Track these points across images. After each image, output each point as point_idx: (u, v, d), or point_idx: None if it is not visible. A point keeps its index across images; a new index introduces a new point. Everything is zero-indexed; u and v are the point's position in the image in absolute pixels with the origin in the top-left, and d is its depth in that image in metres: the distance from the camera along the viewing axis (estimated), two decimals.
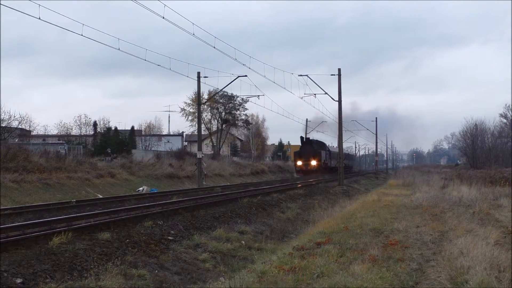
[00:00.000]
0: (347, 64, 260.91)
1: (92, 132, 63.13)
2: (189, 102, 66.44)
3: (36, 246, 9.62)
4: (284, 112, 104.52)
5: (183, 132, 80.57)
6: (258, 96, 38.65)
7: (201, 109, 46.56)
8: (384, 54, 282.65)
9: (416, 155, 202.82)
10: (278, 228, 17.05)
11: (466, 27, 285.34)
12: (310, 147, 56.99)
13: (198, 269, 10.61)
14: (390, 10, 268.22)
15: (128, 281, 8.69)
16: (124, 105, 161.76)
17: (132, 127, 67.91)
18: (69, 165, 31.18)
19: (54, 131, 63.83)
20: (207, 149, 73.41)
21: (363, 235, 11.82)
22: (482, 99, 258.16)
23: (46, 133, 62.42)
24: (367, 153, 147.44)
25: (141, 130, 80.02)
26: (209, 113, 70.14)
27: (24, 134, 52.10)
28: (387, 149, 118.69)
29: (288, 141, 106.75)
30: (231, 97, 66.64)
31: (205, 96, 56.88)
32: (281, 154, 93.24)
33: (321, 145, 60.67)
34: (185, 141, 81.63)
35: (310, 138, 60.49)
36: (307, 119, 67.42)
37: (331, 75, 40.05)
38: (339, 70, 38.20)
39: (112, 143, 50.87)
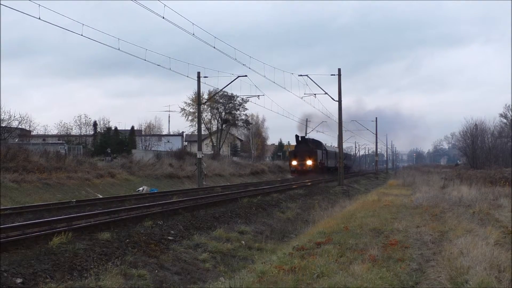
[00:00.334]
0: (348, 64, 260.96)
1: (92, 132, 63.15)
2: (189, 102, 66.54)
3: (36, 246, 9.62)
4: (284, 112, 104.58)
5: (183, 132, 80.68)
6: (258, 96, 38.68)
7: (201, 109, 46.57)
8: (385, 54, 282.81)
9: (416, 155, 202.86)
10: (278, 228, 17.05)
11: (467, 27, 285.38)
12: (305, 146, 55.04)
13: (198, 269, 10.61)
14: (391, 10, 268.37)
15: (128, 281, 8.69)
16: (124, 105, 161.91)
17: (132, 127, 67.99)
18: (69, 165, 31.18)
19: (54, 131, 63.92)
20: (207, 149, 73.43)
21: (363, 235, 11.82)
22: (483, 99, 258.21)
23: (46, 133, 62.46)
24: (367, 153, 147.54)
25: (141, 130, 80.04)
26: (209, 113, 70.19)
27: (24, 134, 52.08)
28: (387, 149, 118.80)
29: (288, 141, 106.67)
30: (231, 97, 66.66)
31: (205, 96, 56.91)
32: (281, 154, 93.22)
33: (317, 144, 58.92)
34: (185, 141, 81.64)
35: (306, 137, 58.37)
36: (307, 119, 67.43)
37: (331, 75, 40.08)
38: (339, 70, 38.24)
39: (112, 143, 50.89)
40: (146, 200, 21.08)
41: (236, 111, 70.40)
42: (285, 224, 18.23)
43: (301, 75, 36.81)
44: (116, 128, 63.44)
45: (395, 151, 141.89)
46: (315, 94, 39.94)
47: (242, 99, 66.18)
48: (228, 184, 42.32)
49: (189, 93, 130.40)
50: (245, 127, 76.82)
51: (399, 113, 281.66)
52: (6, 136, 42.07)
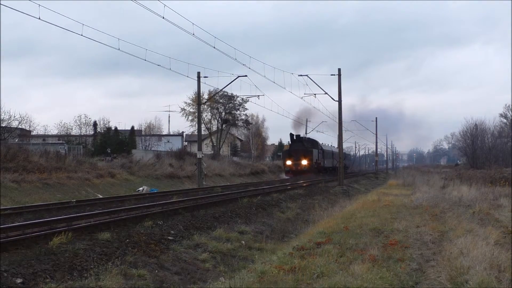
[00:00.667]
0: (349, 64, 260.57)
1: (92, 132, 63.19)
2: (189, 102, 66.53)
3: (36, 246, 9.62)
4: (284, 112, 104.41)
5: (183, 132, 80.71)
6: (258, 96, 38.67)
7: (201, 109, 46.57)
8: (386, 54, 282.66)
9: (416, 155, 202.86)
10: (278, 228, 17.04)
11: (468, 28, 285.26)
12: (300, 145, 52.81)
13: (198, 269, 10.61)
14: (392, 10, 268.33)
15: (128, 281, 8.69)
16: (125, 105, 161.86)
17: (132, 127, 68.01)
18: (69, 165, 31.18)
19: (54, 131, 63.99)
20: (207, 149, 73.43)
21: (363, 235, 11.82)
22: (484, 99, 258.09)
23: (46, 133, 62.51)
24: (367, 153, 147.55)
25: (141, 130, 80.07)
26: (209, 113, 70.18)
27: (24, 134, 52.13)
28: (387, 149, 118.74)
29: (288, 141, 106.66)
30: (231, 97, 66.66)
31: (205, 96, 56.90)
32: (281, 154, 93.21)
33: (313, 143, 56.64)
34: (185, 141, 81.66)
35: (301, 136, 55.91)
36: (307, 119, 67.36)
37: (331, 75, 40.07)
38: (339, 70, 38.23)
39: (112, 143, 50.94)
40: (146, 200, 21.08)
41: (236, 111, 70.43)
42: (285, 224, 18.23)
43: (301, 75, 36.82)
44: (116, 128, 63.51)
45: (395, 151, 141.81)
46: (315, 94, 39.95)
47: (242, 99, 66.24)
48: (228, 184, 42.32)
49: (189, 93, 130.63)
50: (245, 127, 76.81)
51: (402, 113, 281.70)
52: (6, 136, 42.09)
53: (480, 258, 8.10)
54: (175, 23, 23.56)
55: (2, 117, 42.31)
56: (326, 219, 16.87)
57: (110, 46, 29.85)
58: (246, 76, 38.15)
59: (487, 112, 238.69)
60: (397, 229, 12.76)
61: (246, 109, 71.42)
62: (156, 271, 9.73)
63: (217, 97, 63.39)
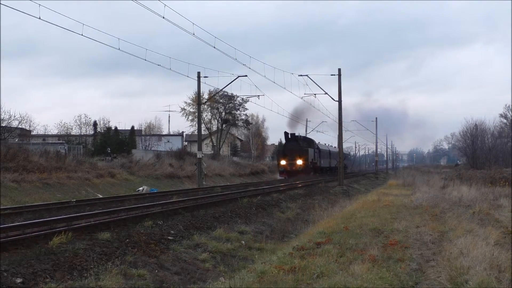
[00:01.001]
0: (350, 64, 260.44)
1: (92, 132, 63.21)
2: (189, 102, 66.56)
3: (36, 246, 9.61)
4: (284, 112, 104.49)
5: (183, 132, 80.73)
6: (258, 96, 38.68)
7: (201, 109, 46.58)
8: (386, 54, 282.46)
9: (416, 155, 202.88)
10: (278, 228, 17.04)
11: (469, 28, 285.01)
12: (295, 144, 50.33)
13: (198, 269, 10.61)
14: (393, 10, 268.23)
15: (128, 281, 8.69)
16: (125, 105, 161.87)
17: (132, 127, 68.05)
18: (69, 165, 31.19)
19: (54, 131, 64.04)
20: (207, 149, 73.45)
21: (363, 235, 11.82)
22: (486, 99, 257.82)
23: (46, 133, 62.53)
24: (367, 153, 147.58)
25: (141, 130, 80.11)
26: (209, 113, 70.19)
27: (24, 134, 52.14)
28: (387, 149, 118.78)
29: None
30: (231, 97, 66.67)
31: (205, 96, 56.91)
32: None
33: (309, 142, 54.35)
34: (185, 141, 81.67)
35: (296, 134, 53.18)
36: (307, 119, 67.30)
37: (331, 75, 40.08)
38: (339, 70, 38.25)
39: (112, 143, 50.96)
40: (146, 200, 21.07)
41: (236, 111, 70.45)
42: (285, 224, 18.22)
43: (301, 75, 36.80)
44: (116, 128, 63.55)
45: (395, 151, 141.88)
46: (315, 94, 39.95)
47: (242, 99, 66.22)
48: (228, 184, 42.32)
49: (189, 93, 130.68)
50: (245, 127, 76.83)
51: (407, 112, 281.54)
52: (6, 136, 42.10)
53: (480, 258, 8.10)
54: (175, 23, 23.57)
55: (2, 117, 42.35)
56: (326, 219, 16.87)
57: (111, 46, 29.85)
58: (246, 76, 38.15)
59: (489, 112, 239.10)
60: (397, 229, 12.76)
61: (246, 109, 71.52)
62: (156, 271, 9.73)
63: (217, 97, 63.41)
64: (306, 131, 65.99)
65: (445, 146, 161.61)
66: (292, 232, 16.42)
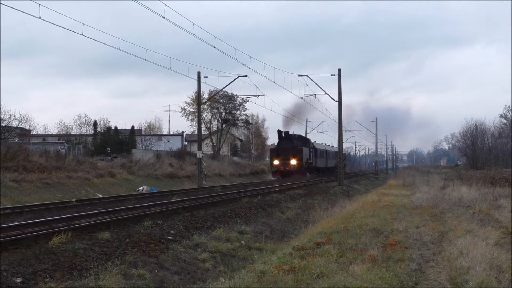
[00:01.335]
0: (352, 64, 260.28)
1: (92, 132, 63.22)
2: (190, 102, 66.56)
3: (36, 245, 9.61)
4: (284, 112, 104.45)
5: (183, 132, 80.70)
6: (258, 96, 38.66)
7: (201, 109, 46.54)
8: (388, 54, 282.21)
9: (416, 156, 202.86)
10: (278, 228, 17.04)
11: (470, 28, 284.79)
12: (289, 143, 48.05)
13: (198, 269, 10.61)
14: (394, 11, 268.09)
15: (127, 281, 8.69)
16: (126, 105, 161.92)
17: (132, 127, 68.02)
18: (69, 165, 31.20)
19: (54, 131, 64.06)
20: (207, 149, 73.45)
21: (363, 235, 11.82)
22: (488, 99, 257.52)
23: (46, 133, 62.53)
24: (367, 153, 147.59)
25: (141, 129, 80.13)
26: (209, 113, 70.17)
27: (24, 133, 52.13)
28: (387, 149, 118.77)
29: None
30: (231, 97, 66.65)
31: (205, 96, 56.91)
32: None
33: (304, 141, 52.20)
34: (185, 141, 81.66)
35: (290, 133, 50.52)
36: (307, 119, 67.30)
37: (331, 75, 40.06)
38: (339, 70, 38.22)
39: (112, 142, 50.93)
40: (146, 200, 21.07)
41: (236, 111, 70.40)
42: (285, 224, 18.23)
43: (301, 75, 36.75)
44: (116, 127, 63.50)
45: (395, 151, 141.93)
46: (315, 94, 39.90)
47: (242, 99, 66.14)
48: (228, 184, 42.31)
49: (189, 93, 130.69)
50: (245, 127, 76.79)
51: (411, 112, 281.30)
52: (6, 136, 42.08)
53: (480, 258, 8.10)
54: (175, 23, 23.58)
55: (2, 116, 42.33)
56: (326, 219, 16.87)
57: (111, 46, 29.84)
58: (246, 76, 38.04)
59: (490, 113, 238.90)
60: (397, 230, 12.76)
61: (246, 109, 71.46)
62: (156, 270, 9.73)
63: (217, 97, 63.39)
64: (306, 131, 66.01)
65: (445, 146, 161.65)
66: (292, 232, 16.42)
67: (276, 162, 47.76)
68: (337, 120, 39.29)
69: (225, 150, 76.16)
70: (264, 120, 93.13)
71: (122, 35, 77.97)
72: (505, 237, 11.22)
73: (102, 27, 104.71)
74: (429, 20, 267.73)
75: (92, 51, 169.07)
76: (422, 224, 13.68)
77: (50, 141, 51.64)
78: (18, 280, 7.81)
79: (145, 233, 11.94)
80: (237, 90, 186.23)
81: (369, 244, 10.41)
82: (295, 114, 56.40)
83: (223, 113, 69.61)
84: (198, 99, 40.94)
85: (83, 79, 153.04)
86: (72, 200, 21.27)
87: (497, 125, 76.47)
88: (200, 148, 37.00)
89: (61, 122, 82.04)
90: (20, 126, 47.69)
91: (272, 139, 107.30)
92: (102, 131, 60.43)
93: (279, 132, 49.87)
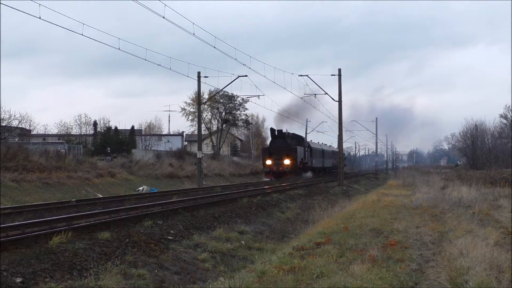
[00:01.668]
0: (353, 65, 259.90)
1: (92, 132, 63.24)
2: (190, 102, 66.59)
3: (36, 245, 9.61)
4: (284, 112, 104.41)
5: (183, 132, 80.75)
6: (258, 96, 38.69)
7: (201, 109, 46.54)
8: (389, 54, 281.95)
9: (416, 156, 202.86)
10: (278, 228, 17.05)
11: (471, 29, 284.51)
12: (283, 142, 45.62)
13: (198, 269, 10.61)
14: (397, 11, 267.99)
15: (127, 281, 8.69)
16: (126, 105, 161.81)
17: (132, 127, 68.08)
18: (69, 165, 31.20)
19: (54, 131, 64.09)
20: (207, 149, 73.47)
21: (363, 235, 11.82)
22: (490, 99, 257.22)
23: (46, 133, 62.54)
24: (367, 153, 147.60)
25: (141, 129, 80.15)
26: (209, 113, 70.20)
27: (24, 133, 52.11)
28: (387, 150, 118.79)
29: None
30: (232, 97, 66.67)
31: (206, 96, 56.93)
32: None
33: (298, 139, 49.43)
34: (185, 141, 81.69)
35: (283, 131, 47.79)
36: (307, 119, 67.23)
37: (331, 75, 40.07)
38: (339, 70, 38.24)
39: (112, 142, 50.95)
40: (146, 200, 21.07)
41: (236, 111, 70.43)
42: (285, 224, 18.23)
43: (301, 75, 36.76)
44: (116, 127, 63.54)
45: (395, 151, 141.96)
46: (315, 95, 39.93)
47: (242, 99, 66.18)
48: (228, 184, 42.30)
49: (189, 93, 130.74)
50: (245, 127, 76.82)
51: (414, 112, 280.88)
52: (6, 136, 42.07)
53: (480, 258, 8.10)
54: (175, 23, 23.59)
55: (2, 116, 42.31)
56: (326, 219, 16.87)
57: (111, 46, 29.86)
58: (246, 76, 38.07)
59: (491, 113, 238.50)
60: (397, 230, 12.76)
61: (246, 109, 71.50)
62: (156, 270, 9.73)
63: (217, 97, 63.41)
64: (306, 131, 65.96)
65: (445, 146, 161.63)
66: (292, 232, 16.43)
67: (268, 162, 45.44)
68: (337, 120, 39.32)
69: (225, 150, 76.18)
70: (264, 120, 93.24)
71: (122, 35, 77.94)
72: (505, 237, 11.22)
73: (102, 27, 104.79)
74: (430, 21, 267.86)
75: (92, 51, 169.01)
76: (422, 224, 13.68)
77: (50, 141, 51.64)
78: (18, 280, 7.81)
79: (145, 233, 11.94)
80: (237, 90, 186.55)
81: (369, 244, 10.41)
82: (292, 113, 54.40)
83: (223, 113, 69.63)
84: (198, 99, 40.94)
85: (84, 79, 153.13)
86: (72, 200, 21.26)
87: (497, 125, 76.49)
88: (200, 148, 37.00)
89: (61, 122, 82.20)
90: (20, 126, 47.69)
91: None
92: (102, 131, 60.45)
93: (272, 130, 47.74)
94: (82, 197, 25.09)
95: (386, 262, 8.84)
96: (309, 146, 51.97)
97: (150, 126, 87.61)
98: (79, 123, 63.99)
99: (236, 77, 34.75)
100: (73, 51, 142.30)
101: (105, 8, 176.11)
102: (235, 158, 69.67)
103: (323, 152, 60.40)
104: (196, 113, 52.74)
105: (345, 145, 53.62)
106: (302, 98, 39.86)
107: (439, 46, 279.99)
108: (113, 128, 61.56)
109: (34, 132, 58.52)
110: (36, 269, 8.33)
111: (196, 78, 35.49)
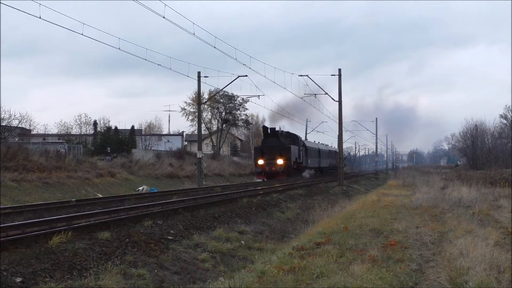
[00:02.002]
0: (354, 65, 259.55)
1: (92, 132, 63.25)
2: (190, 101, 66.60)
3: (35, 245, 9.61)
4: (284, 112, 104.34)
5: (183, 131, 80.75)
6: (259, 96, 38.69)
7: (201, 109, 46.55)
8: (391, 54, 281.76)
9: (416, 156, 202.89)
10: (277, 228, 17.05)
11: (471, 29, 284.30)
12: (275, 140, 43.34)
13: (198, 269, 10.62)
14: (397, 11, 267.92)
15: (127, 281, 8.69)
16: (127, 105, 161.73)
17: (132, 127, 68.10)
18: (69, 165, 31.20)
19: (54, 130, 64.10)
20: (207, 149, 73.46)
21: (363, 235, 11.82)
22: (491, 100, 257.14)
23: (46, 132, 62.54)
24: (367, 153, 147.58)
25: (141, 129, 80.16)
26: (209, 113, 70.22)
27: (24, 133, 52.11)
28: (387, 150, 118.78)
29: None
30: (232, 97, 66.69)
31: (206, 96, 56.93)
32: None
33: (292, 138, 46.78)
34: (185, 141, 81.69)
35: (277, 129, 45.67)
36: (307, 119, 67.22)
37: (331, 75, 40.05)
38: (339, 70, 38.24)
39: (112, 142, 50.96)
40: (146, 200, 21.07)
41: (236, 111, 70.45)
42: (285, 224, 18.24)
43: (301, 75, 36.74)
44: (116, 127, 63.55)
45: (395, 152, 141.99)
46: (315, 95, 39.91)
47: (243, 99, 66.17)
48: (228, 184, 42.28)
49: (189, 93, 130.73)
50: (245, 127, 76.83)
51: (418, 112, 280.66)
52: (6, 135, 42.08)
53: (480, 259, 8.10)
54: (176, 23, 23.59)
55: (2, 116, 42.31)
56: (326, 219, 16.87)
57: (111, 46, 29.86)
58: (246, 76, 38.05)
59: (492, 113, 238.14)
60: (397, 230, 12.76)
61: (246, 109, 71.50)
62: (156, 270, 9.73)
63: (217, 97, 63.42)
64: (306, 131, 65.96)
65: (445, 146, 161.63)
66: (292, 232, 16.43)
67: (260, 162, 43.17)
68: (337, 120, 39.31)
69: (225, 150, 76.17)
70: (264, 120, 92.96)
71: (122, 35, 77.95)
72: (505, 238, 11.22)
73: (102, 27, 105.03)
74: (431, 21, 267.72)
75: (92, 51, 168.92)
76: (422, 224, 13.68)
77: (50, 141, 51.59)
78: (18, 279, 7.81)
79: (145, 233, 11.94)
80: (237, 90, 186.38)
81: (369, 244, 10.41)
82: (291, 112, 52.26)
83: (223, 113, 69.64)
84: (198, 99, 40.93)
85: (85, 79, 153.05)
86: (72, 199, 21.26)
87: (497, 125, 76.48)
88: (200, 148, 37.00)
89: (61, 121, 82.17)
90: (20, 125, 47.70)
91: None
92: (102, 130, 60.47)
93: (264, 128, 45.85)
94: (82, 197, 25.09)
95: (386, 262, 8.84)
96: (304, 145, 50.07)
97: (150, 126, 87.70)
98: (79, 123, 64.08)
99: (236, 77, 34.78)
100: (74, 51, 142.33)
101: (105, 8, 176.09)
102: (235, 158, 69.67)
103: (319, 152, 58.56)
104: (196, 113, 52.74)
105: (345, 145, 53.36)
106: (302, 98, 39.82)
107: (439, 46, 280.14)
108: (113, 128, 61.61)
109: (34, 132, 58.55)
110: (36, 269, 8.33)
111: (196, 78, 35.51)
